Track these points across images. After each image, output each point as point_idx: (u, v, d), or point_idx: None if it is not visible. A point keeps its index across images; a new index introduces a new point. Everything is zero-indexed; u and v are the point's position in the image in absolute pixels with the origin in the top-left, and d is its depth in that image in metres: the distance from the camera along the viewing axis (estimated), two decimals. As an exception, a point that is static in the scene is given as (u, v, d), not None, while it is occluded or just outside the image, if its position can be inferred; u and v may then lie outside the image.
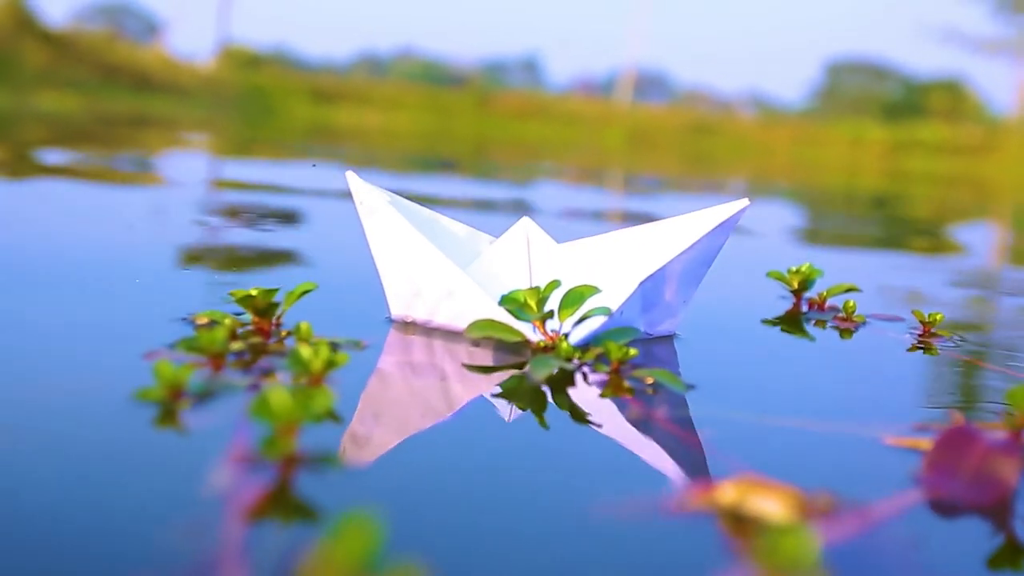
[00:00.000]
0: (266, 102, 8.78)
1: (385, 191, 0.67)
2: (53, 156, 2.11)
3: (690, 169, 4.50)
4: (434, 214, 0.71)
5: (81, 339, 0.57)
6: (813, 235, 1.90)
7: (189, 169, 2.29)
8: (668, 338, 0.67)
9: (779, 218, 2.07)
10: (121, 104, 6.52)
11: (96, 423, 0.42)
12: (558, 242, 0.71)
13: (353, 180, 0.66)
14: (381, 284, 0.66)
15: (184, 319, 0.61)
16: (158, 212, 1.34)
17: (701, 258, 0.66)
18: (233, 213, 1.35)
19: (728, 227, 0.65)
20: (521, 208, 1.72)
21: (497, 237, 0.72)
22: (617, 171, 3.69)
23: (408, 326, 0.65)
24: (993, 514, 0.40)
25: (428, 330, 0.64)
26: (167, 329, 0.58)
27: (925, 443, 0.47)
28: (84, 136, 3.13)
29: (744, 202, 0.65)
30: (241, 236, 1.12)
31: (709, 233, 0.64)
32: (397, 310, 0.66)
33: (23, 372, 0.49)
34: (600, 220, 1.77)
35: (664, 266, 0.63)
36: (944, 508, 0.40)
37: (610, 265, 0.69)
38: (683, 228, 0.66)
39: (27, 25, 7.42)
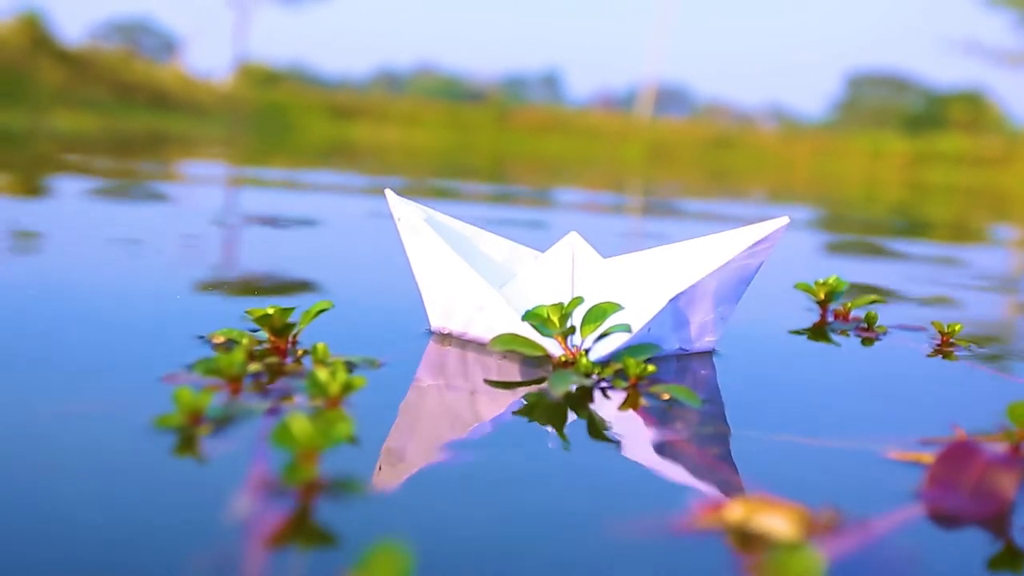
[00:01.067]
0: (284, 119, 8.84)
1: (422, 207, 0.69)
2: (72, 175, 2.13)
3: (711, 185, 4.50)
4: (475, 229, 0.72)
5: (99, 360, 0.57)
6: (838, 245, 1.89)
7: (209, 188, 2.31)
8: (705, 353, 0.68)
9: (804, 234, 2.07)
10: (138, 123, 6.57)
11: (116, 449, 0.42)
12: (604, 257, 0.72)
13: (391, 197, 0.69)
14: (421, 297, 0.68)
15: (201, 338, 0.61)
16: (179, 232, 1.36)
17: (739, 275, 0.66)
18: (258, 222, 1.36)
19: (767, 244, 0.65)
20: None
21: (541, 253, 0.73)
22: (636, 193, 3.69)
23: (445, 338, 0.67)
24: (993, 526, 0.41)
25: (463, 343, 0.66)
26: (186, 349, 0.59)
27: (927, 457, 0.47)
28: (102, 156, 3.16)
29: (784, 220, 0.65)
30: (268, 253, 1.13)
31: (746, 251, 0.64)
32: (436, 322, 0.68)
33: (41, 396, 0.49)
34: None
35: (697, 283, 0.63)
36: (945, 522, 0.41)
37: (651, 281, 0.69)
38: (722, 245, 0.67)
39: (43, 44, 7.49)
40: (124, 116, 7.02)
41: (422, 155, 5.30)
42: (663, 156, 9.06)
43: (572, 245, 0.72)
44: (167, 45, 11.26)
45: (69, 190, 1.79)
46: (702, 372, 0.64)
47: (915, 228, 2.65)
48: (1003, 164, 9.90)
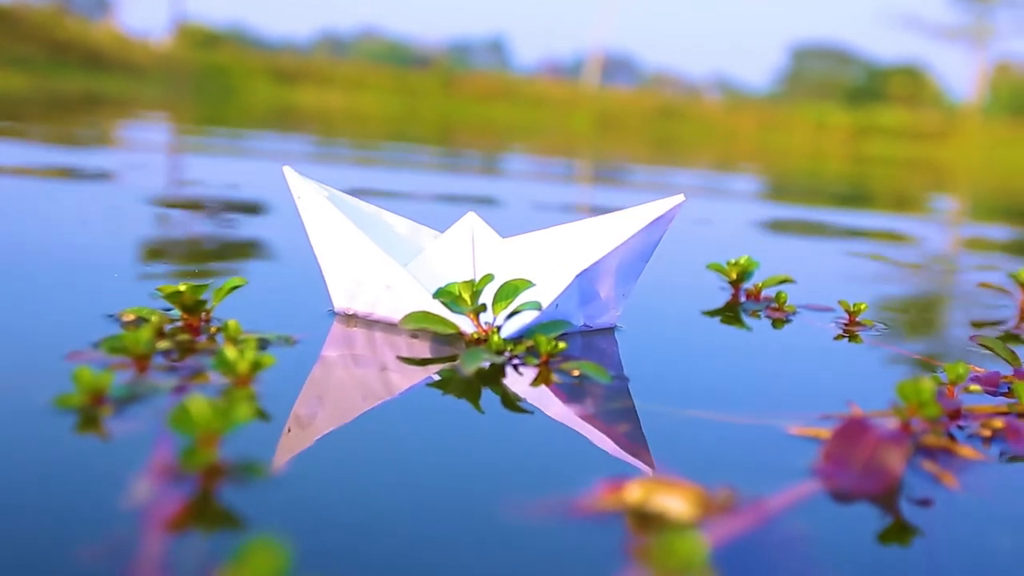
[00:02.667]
0: (225, 81, 8.70)
1: (324, 186, 0.68)
2: None
3: (658, 157, 4.52)
4: (376, 209, 0.72)
5: (2, 337, 0.56)
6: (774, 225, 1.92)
7: (141, 157, 2.27)
8: (608, 330, 0.69)
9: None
10: (71, 83, 6.42)
11: (11, 430, 0.42)
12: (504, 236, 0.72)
13: (291, 175, 0.67)
14: (323, 278, 0.67)
15: (110, 316, 0.60)
16: (104, 203, 1.34)
17: (638, 252, 0.67)
18: (183, 206, 1.35)
19: (664, 222, 0.67)
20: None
21: (442, 232, 0.73)
22: (586, 169, 3.70)
23: (350, 319, 0.66)
24: (882, 502, 0.42)
25: (369, 323, 0.65)
26: (94, 327, 0.58)
27: (826, 432, 0.49)
28: (31, 118, 3.09)
29: (680, 198, 0.67)
30: (188, 231, 1.12)
31: (645, 228, 0.66)
32: (339, 303, 0.67)
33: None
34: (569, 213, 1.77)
35: (600, 260, 0.64)
36: (838, 498, 0.42)
37: (551, 259, 0.70)
38: (621, 223, 0.68)
39: (-33, -1, 7.25)
40: (56, 76, 6.86)
41: (368, 123, 5.25)
42: (610, 126, 9.07)
43: (471, 226, 0.72)
44: (100, 3, 11.00)
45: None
46: (610, 349, 0.65)
47: (857, 206, 2.69)
48: (941, 138, 10.08)
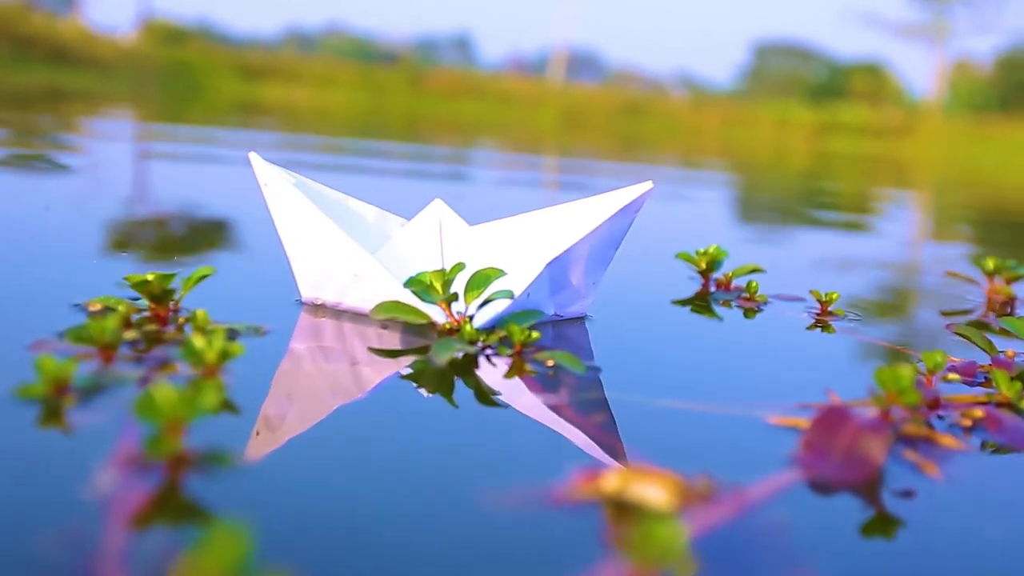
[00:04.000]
0: (192, 78, 8.63)
1: (291, 173, 0.67)
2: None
3: (624, 155, 4.52)
4: (343, 196, 0.71)
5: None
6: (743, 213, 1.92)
7: (103, 151, 2.24)
8: (579, 320, 0.68)
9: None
10: (36, 78, 6.34)
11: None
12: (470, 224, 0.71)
13: (257, 162, 0.65)
14: (290, 267, 0.65)
15: (77, 306, 0.59)
16: (66, 196, 1.31)
17: (608, 240, 0.67)
18: (146, 199, 1.33)
19: (633, 209, 0.66)
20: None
21: (408, 220, 0.72)
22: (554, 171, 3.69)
23: (318, 309, 0.64)
24: (863, 491, 0.41)
25: (338, 313, 0.64)
26: (60, 316, 0.57)
27: (804, 422, 0.48)
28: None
29: (648, 184, 0.66)
30: (154, 219, 1.10)
31: (615, 215, 0.65)
32: (307, 293, 0.65)
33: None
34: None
35: (570, 248, 0.63)
36: (817, 488, 0.41)
37: (520, 247, 0.69)
38: (589, 210, 0.67)
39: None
40: (21, 71, 6.77)
41: (336, 120, 5.22)
42: (576, 122, 9.08)
43: (438, 213, 0.71)
44: (67, -2, 10.86)
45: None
46: (581, 339, 0.64)
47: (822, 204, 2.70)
48: (902, 134, 10.20)
